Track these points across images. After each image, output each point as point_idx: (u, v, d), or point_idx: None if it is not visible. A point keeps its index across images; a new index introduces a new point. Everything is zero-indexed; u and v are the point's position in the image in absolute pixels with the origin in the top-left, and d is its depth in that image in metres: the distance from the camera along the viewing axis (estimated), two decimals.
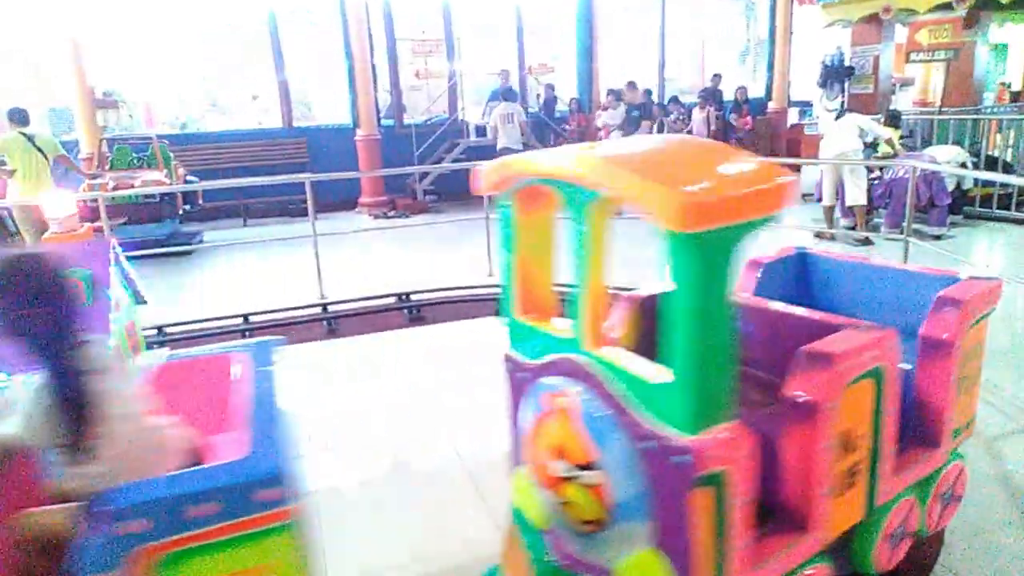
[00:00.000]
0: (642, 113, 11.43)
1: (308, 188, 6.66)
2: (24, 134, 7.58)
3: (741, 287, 2.79)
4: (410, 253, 8.47)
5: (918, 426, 2.37)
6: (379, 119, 11.86)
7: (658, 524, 1.71)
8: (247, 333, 5.55)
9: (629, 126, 11.57)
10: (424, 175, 11.77)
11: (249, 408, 1.97)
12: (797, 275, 2.98)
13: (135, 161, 9.54)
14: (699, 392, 1.61)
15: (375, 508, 3.22)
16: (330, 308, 6.11)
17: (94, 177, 8.73)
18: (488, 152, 10.85)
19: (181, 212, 9.55)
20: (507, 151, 11.20)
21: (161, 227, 8.86)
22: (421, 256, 8.29)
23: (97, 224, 5.78)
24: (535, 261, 2.19)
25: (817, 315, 2.32)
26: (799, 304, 2.66)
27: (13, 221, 8.03)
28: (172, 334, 5.52)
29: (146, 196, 8.52)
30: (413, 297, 6.30)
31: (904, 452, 2.30)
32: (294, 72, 12.21)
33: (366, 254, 8.43)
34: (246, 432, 1.82)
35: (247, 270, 8.06)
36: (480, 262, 6.99)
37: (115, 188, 8.10)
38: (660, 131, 12.17)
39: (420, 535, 3.01)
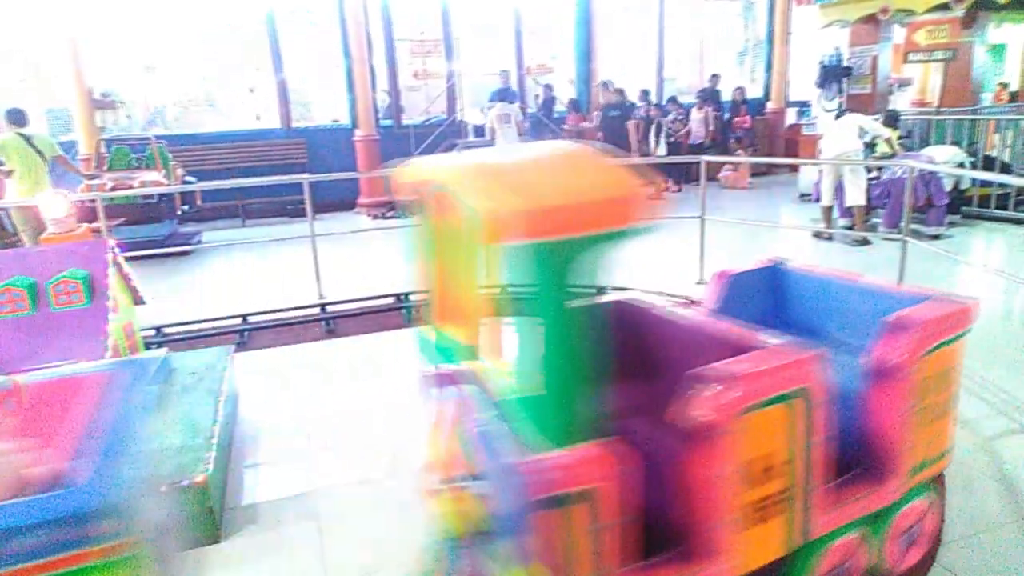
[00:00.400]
0: (623, 112, 11.18)
1: (306, 188, 6.65)
2: (22, 135, 7.56)
3: (709, 299, 2.72)
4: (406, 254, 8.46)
5: (866, 457, 2.16)
6: (378, 120, 11.86)
7: (528, 540, 1.58)
8: (245, 333, 5.54)
9: (605, 127, 11.37)
10: None
11: (102, 433, 1.80)
12: (771, 288, 2.85)
13: (133, 162, 9.53)
14: (552, 408, 1.56)
15: (375, 508, 3.21)
16: (329, 308, 6.10)
17: (92, 178, 8.73)
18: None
19: (179, 212, 9.54)
20: None
21: (160, 228, 8.85)
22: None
23: (95, 225, 5.77)
24: (455, 267, 2.13)
25: (738, 331, 2.10)
26: (774, 319, 2.62)
27: (11, 222, 8.03)
28: (171, 334, 5.52)
29: (144, 197, 8.51)
30: (412, 297, 6.29)
31: (849, 484, 2.09)
32: (293, 72, 12.21)
33: (364, 254, 8.42)
34: (92, 460, 1.66)
35: (246, 270, 8.05)
36: None
37: (113, 189, 8.09)
38: (658, 132, 12.18)
39: (420, 535, 3.00)
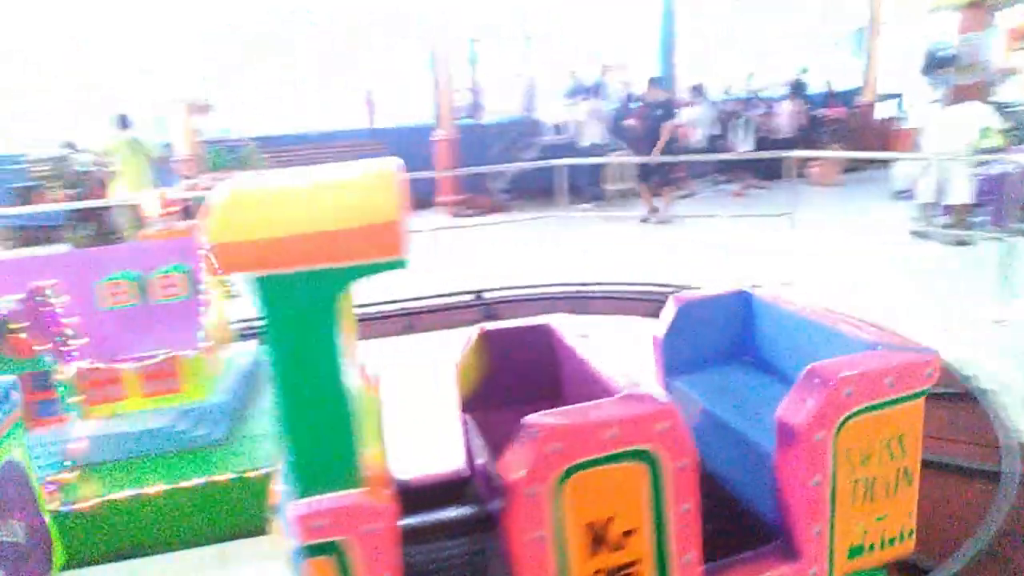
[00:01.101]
0: (666, 113, 10.65)
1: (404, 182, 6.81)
2: (128, 138, 8.07)
3: (664, 326, 2.43)
4: (485, 251, 8.54)
5: (778, 532, 1.84)
6: (457, 119, 12.03)
7: None
8: None
9: (645, 124, 10.83)
10: (500, 174, 11.85)
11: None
12: (738, 318, 2.49)
13: (229, 162, 10.01)
14: (296, 455, 1.46)
15: None
16: (407, 305, 6.23)
17: (190, 178, 9.22)
18: (566, 150, 10.84)
19: None
20: (595, 148, 11.13)
21: None
22: (496, 254, 8.34)
23: (192, 223, 6.10)
24: None
25: (609, 372, 1.83)
26: (738, 354, 2.36)
27: (117, 220, 8.59)
28: (257, 328, 5.77)
29: None
30: (487, 295, 6.35)
31: (748, 562, 1.80)
32: (376, 73, 12.54)
33: (442, 252, 8.56)
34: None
35: None
36: (554, 261, 6.98)
37: (208, 189, 8.53)
38: (746, 128, 11.82)
39: None
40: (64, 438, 3.19)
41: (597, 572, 1.61)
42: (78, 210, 8.41)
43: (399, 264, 1.41)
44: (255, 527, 3.01)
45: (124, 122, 8.24)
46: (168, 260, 3.51)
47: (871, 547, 1.84)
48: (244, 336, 4.88)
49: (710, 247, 7.83)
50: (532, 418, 1.54)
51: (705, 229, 8.91)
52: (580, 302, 6.05)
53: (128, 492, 2.93)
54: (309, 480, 1.47)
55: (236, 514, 3.01)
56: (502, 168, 11.31)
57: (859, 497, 1.79)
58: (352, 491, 1.47)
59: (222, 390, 3.53)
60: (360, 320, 5.81)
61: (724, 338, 2.46)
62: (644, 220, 9.69)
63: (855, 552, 1.83)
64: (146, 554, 2.97)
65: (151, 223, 4.34)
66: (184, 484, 2.96)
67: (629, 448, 1.56)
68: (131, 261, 3.52)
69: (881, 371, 1.73)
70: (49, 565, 2.20)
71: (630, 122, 10.83)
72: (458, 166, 11.14)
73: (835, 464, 1.73)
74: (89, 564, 2.92)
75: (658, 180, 9.76)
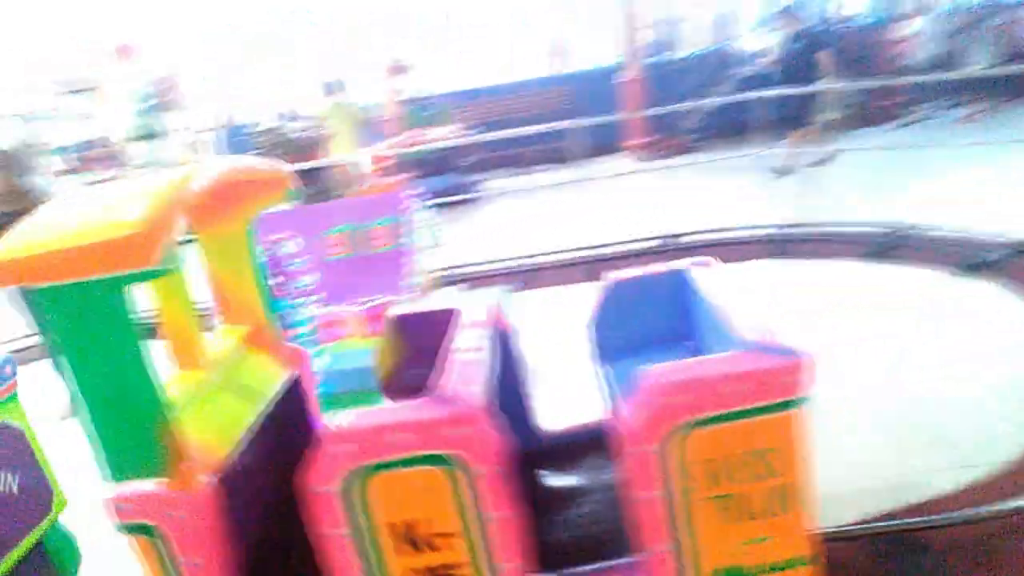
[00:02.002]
0: (811, 44, 8.96)
1: (574, 133, 6.83)
2: (340, 102, 8.83)
3: (594, 309, 2.24)
4: (676, 194, 8.31)
5: (634, 547, 1.68)
6: (644, 57, 11.64)
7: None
8: (522, 275, 5.96)
9: (791, 61, 9.29)
10: (691, 113, 11.34)
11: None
12: (673, 302, 2.25)
13: (425, 120, 10.60)
14: (99, 443, 1.57)
15: None
16: (597, 251, 6.28)
17: (392, 136, 9.90)
18: (765, 81, 10.08)
19: (464, 164, 10.44)
20: (799, 76, 10.17)
21: (447, 178, 9.79)
22: (687, 197, 8.08)
23: (398, 178, 6.59)
24: (234, 273, 2.11)
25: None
26: (671, 341, 2.06)
27: (332, 179, 9.50)
28: (457, 275, 6.15)
29: (434, 150, 9.45)
30: (681, 239, 6.20)
31: (597, 574, 1.70)
32: (561, 17, 12.46)
33: (631, 196, 8.45)
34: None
35: (521, 216, 8.58)
36: (750, 201, 6.62)
37: (410, 145, 9.12)
38: (988, 39, 10.18)
39: None
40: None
41: (414, 570, 1.61)
42: (297, 172, 9.40)
43: (154, 274, 1.44)
44: None
45: (335, 87, 9.01)
46: (379, 214, 3.87)
47: (754, 571, 1.65)
48: (446, 283, 5.26)
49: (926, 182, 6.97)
50: (333, 419, 1.56)
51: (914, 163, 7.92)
52: (782, 245, 5.71)
53: None
54: (115, 468, 1.60)
55: None
56: (693, 106, 10.81)
57: (723, 516, 1.60)
58: (158, 480, 1.58)
59: None
60: (552, 267, 6.01)
61: (661, 321, 2.23)
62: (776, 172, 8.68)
63: (733, 574, 1.65)
64: None
65: (363, 180, 4.76)
66: None
67: (424, 453, 1.52)
68: (349, 215, 3.92)
69: (722, 378, 1.50)
70: (47, 510, 2.51)
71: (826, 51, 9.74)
72: (646, 107, 10.83)
73: (681, 478, 1.56)
74: None
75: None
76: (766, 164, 8.48)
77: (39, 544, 2.47)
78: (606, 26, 12.17)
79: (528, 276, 5.96)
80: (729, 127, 10.64)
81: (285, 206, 2.09)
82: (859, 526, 2.50)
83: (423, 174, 9.59)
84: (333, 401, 3.51)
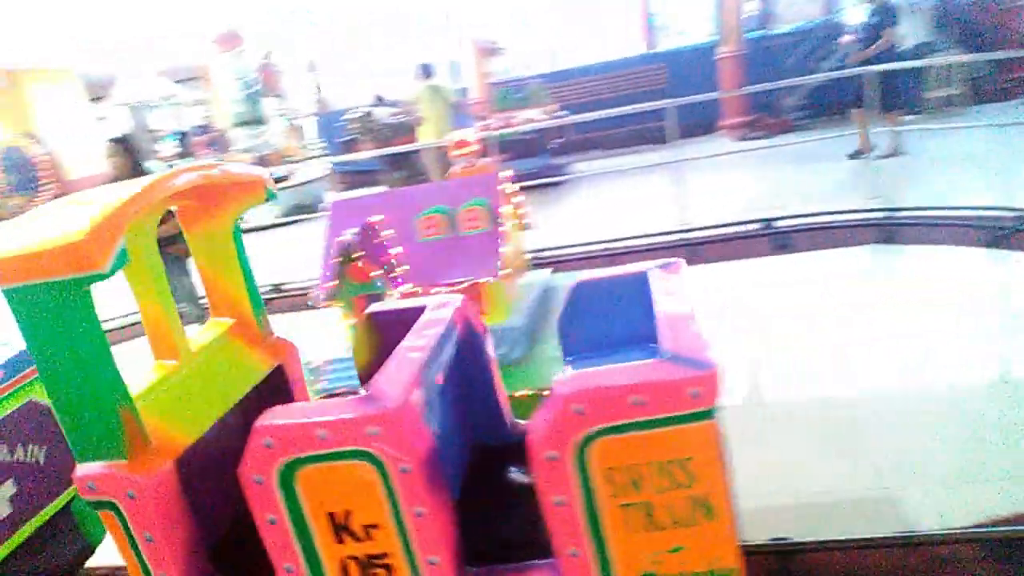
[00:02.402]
0: (883, 20, 8.16)
1: (668, 113, 6.63)
2: (431, 86, 8.91)
3: (563, 309, 2.18)
4: (774, 175, 7.94)
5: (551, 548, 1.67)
6: (744, 32, 11.15)
7: None
8: (611, 258, 5.85)
9: (864, 36, 8.49)
10: (794, 89, 10.79)
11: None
12: (641, 303, 2.10)
13: (516, 102, 10.57)
14: (65, 427, 1.74)
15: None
16: (690, 235, 6.09)
17: (483, 119, 9.93)
18: (876, 55, 9.45)
19: (553, 146, 10.35)
20: (915, 49, 9.47)
21: (535, 161, 9.74)
22: (785, 178, 7.71)
23: (487, 161, 6.59)
24: (221, 269, 2.26)
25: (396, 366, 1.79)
26: (650, 340, 1.88)
27: (423, 161, 9.63)
28: (547, 258, 6.10)
29: (524, 133, 9.41)
30: (778, 223, 5.91)
31: (514, 572, 1.72)
32: None
33: (726, 178, 8.15)
34: None
35: (609, 198, 8.44)
36: (853, 185, 6.24)
37: (499, 128, 9.11)
38: None
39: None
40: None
41: (349, 558, 1.68)
42: (390, 156, 9.60)
43: (103, 276, 1.57)
44: None
45: (426, 71, 9.10)
46: (471, 195, 3.86)
47: None
48: (536, 265, 5.22)
49: None
50: (263, 417, 1.64)
51: None
52: (889, 230, 5.35)
53: None
54: (80, 450, 1.77)
55: None
56: (796, 82, 10.27)
57: (636, 524, 1.58)
58: (118, 461, 1.74)
59: (519, 314, 3.83)
60: (642, 251, 5.87)
61: (625, 323, 2.13)
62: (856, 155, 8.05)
63: None
64: None
65: (455, 162, 4.78)
66: None
67: (346, 448, 1.57)
68: (441, 197, 3.93)
69: (622, 388, 1.47)
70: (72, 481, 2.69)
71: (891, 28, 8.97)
72: (745, 84, 10.38)
73: (589, 485, 1.56)
74: None
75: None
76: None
77: (67, 511, 2.63)
78: (705, 0, 11.73)
79: (619, 259, 5.85)
80: (834, 105, 10.05)
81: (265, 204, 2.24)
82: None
83: (513, 156, 9.57)
84: None
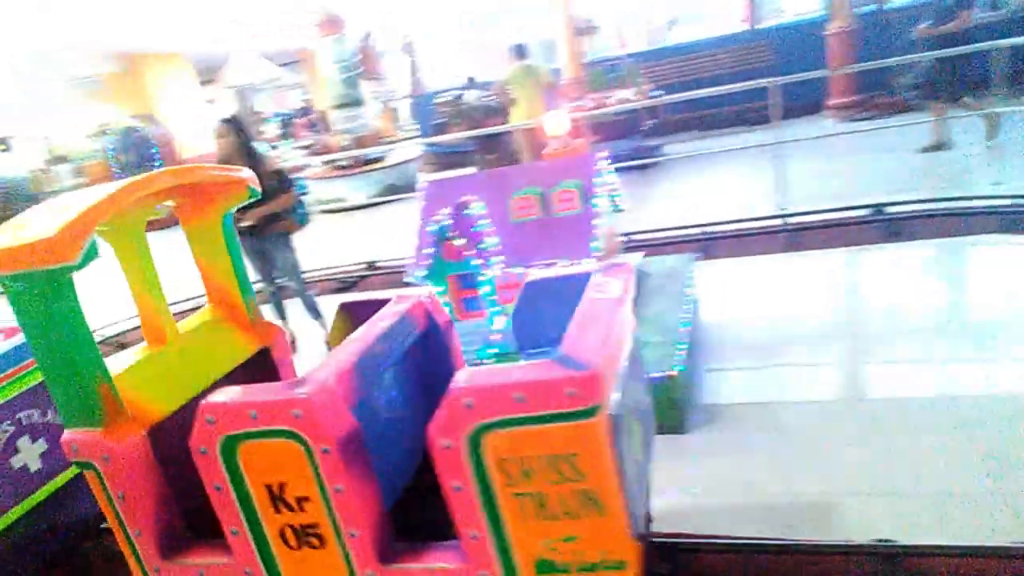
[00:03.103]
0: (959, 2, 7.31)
1: (771, 93, 6.34)
2: (525, 66, 8.87)
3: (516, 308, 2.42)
4: (884, 158, 7.47)
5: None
6: (855, 7, 10.49)
7: None
8: (705, 242, 5.68)
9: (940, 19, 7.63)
10: (909, 67, 10.07)
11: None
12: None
13: (609, 82, 10.39)
14: (54, 398, 2.02)
15: (836, 430, 3.04)
16: (791, 220, 5.82)
17: (575, 99, 9.82)
18: (1008, 27, 8.71)
19: (646, 127, 10.13)
20: None
21: (627, 142, 9.55)
22: (893, 161, 7.24)
23: (580, 142, 6.51)
24: (212, 259, 2.49)
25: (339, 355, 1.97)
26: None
27: (515, 143, 9.64)
28: (638, 241, 5.99)
29: (616, 113, 9.24)
30: (889, 209, 5.56)
31: (428, 550, 1.84)
32: None
33: (830, 161, 7.74)
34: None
35: (705, 181, 8.19)
36: (974, 171, 5.78)
37: (591, 108, 8.98)
38: None
39: (882, 461, 2.75)
40: (485, 330, 3.78)
41: (286, 526, 1.86)
42: (480, 137, 9.65)
43: (70, 268, 1.80)
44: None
45: (520, 52, 9.06)
46: (565, 176, 3.83)
47: (566, 567, 1.72)
48: (627, 249, 5.14)
49: None
50: (210, 396, 1.83)
51: None
52: (1018, 218, 4.94)
53: None
54: (66, 417, 2.01)
55: None
56: (912, 59, 9.58)
57: (530, 512, 1.68)
58: (96, 428, 1.97)
59: None
60: (738, 236, 5.66)
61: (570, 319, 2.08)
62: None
63: (545, 567, 1.74)
64: None
65: (549, 143, 4.76)
66: None
67: (274, 428, 1.73)
68: (535, 178, 3.92)
69: (505, 386, 1.57)
70: None
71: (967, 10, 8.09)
72: (856, 62, 9.79)
73: (484, 474, 1.66)
74: None
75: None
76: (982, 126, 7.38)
77: None
78: None
79: (712, 245, 5.67)
80: (952, 84, 9.33)
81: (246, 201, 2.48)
82: None
83: (606, 137, 9.43)
84: (508, 361, 3.58)
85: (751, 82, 7.04)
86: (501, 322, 3.79)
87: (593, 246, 3.63)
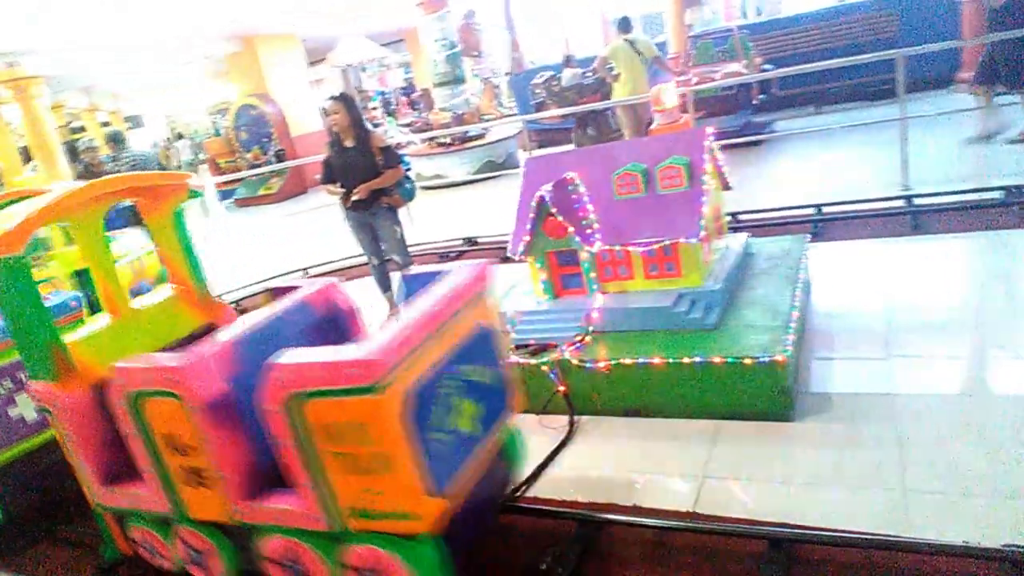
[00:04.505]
0: None
1: (899, 65, 5.90)
2: (628, 39, 8.66)
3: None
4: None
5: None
6: None
7: None
8: (819, 224, 5.39)
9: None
10: None
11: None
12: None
13: (716, 55, 9.98)
14: (21, 357, 2.62)
15: (962, 425, 2.82)
16: (916, 201, 5.43)
17: (680, 74, 9.49)
18: None
19: (755, 102, 9.67)
20: None
21: (735, 118, 9.16)
22: None
23: (685, 117, 6.31)
24: (170, 247, 3.06)
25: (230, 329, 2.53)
26: None
27: (616, 119, 9.44)
28: (745, 221, 5.76)
29: (725, 88, 8.87)
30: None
31: (278, 493, 2.29)
32: None
33: (958, 138, 7.14)
34: None
35: (820, 159, 7.76)
36: None
37: (698, 83, 8.66)
38: None
39: (1005, 457, 2.54)
40: (584, 307, 3.75)
41: (180, 466, 2.36)
42: (580, 115, 9.51)
43: (19, 257, 2.41)
44: (747, 410, 3.12)
45: (624, 25, 8.84)
46: (670, 153, 3.71)
47: (374, 514, 2.09)
48: (733, 229, 4.95)
49: None
50: (121, 361, 2.35)
51: None
52: None
53: (634, 360, 3.31)
54: (30, 372, 2.60)
55: (727, 395, 3.16)
56: None
57: (344, 468, 2.05)
58: (50, 382, 2.54)
59: (715, 278, 3.66)
60: (856, 217, 5.34)
61: None
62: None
63: (360, 514, 2.11)
64: (649, 415, 3.36)
65: (655, 119, 4.63)
66: (682, 360, 3.21)
67: (162, 388, 2.23)
68: (639, 154, 3.82)
69: (304, 365, 1.97)
70: None
71: None
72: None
73: (305, 435, 2.04)
74: (604, 414, 3.45)
75: None
76: None
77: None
78: None
79: (827, 226, 5.38)
80: None
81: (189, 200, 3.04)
82: None
83: (714, 113, 9.09)
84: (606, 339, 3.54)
85: (876, 54, 6.58)
86: (600, 300, 3.75)
87: (699, 225, 3.50)
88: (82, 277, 5.15)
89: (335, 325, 2.77)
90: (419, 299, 2.27)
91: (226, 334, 2.41)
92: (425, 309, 2.17)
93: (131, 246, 5.92)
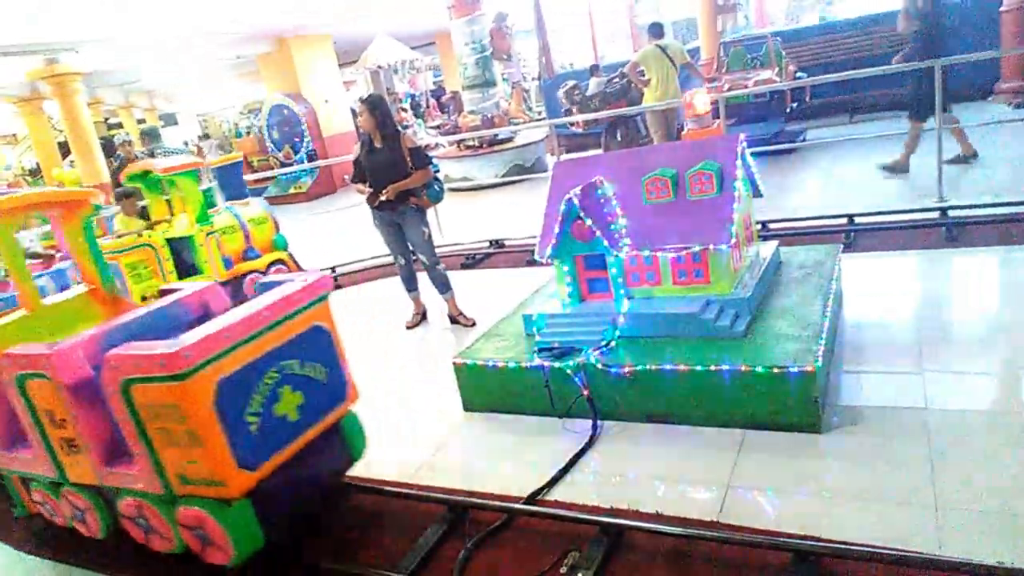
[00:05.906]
0: None
1: (937, 75, 5.79)
2: (659, 45, 8.61)
3: None
4: None
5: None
6: None
7: None
8: (851, 234, 5.30)
9: None
10: None
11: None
12: None
13: (749, 62, 9.89)
14: None
15: (1000, 442, 2.75)
16: (952, 213, 5.32)
17: (711, 80, 9.42)
18: None
19: (788, 110, 9.56)
20: None
21: (767, 126, 9.07)
22: None
23: (716, 124, 6.25)
24: (79, 251, 3.37)
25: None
26: None
27: (645, 125, 9.39)
28: (775, 230, 5.69)
29: (757, 96, 8.79)
30: None
31: (125, 462, 2.67)
32: None
33: (1002, 150, 6.99)
34: None
35: (852, 169, 7.64)
36: None
37: (729, 89, 8.59)
38: None
39: None
40: (610, 312, 3.73)
41: (60, 438, 2.75)
42: (608, 120, 9.48)
43: None
44: (775, 421, 3.08)
45: (657, 31, 8.80)
46: (701, 158, 3.67)
47: (194, 480, 2.48)
48: (765, 237, 4.90)
49: None
50: (9, 349, 2.73)
51: None
52: None
53: (660, 366, 3.28)
54: None
55: (755, 405, 3.11)
56: None
57: (167, 441, 2.45)
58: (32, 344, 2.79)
59: (745, 286, 3.62)
60: (889, 228, 5.25)
61: None
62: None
63: (184, 480, 2.51)
64: (673, 422, 3.33)
65: (686, 124, 4.59)
66: (709, 368, 3.17)
67: (38, 371, 2.61)
68: (669, 159, 3.79)
69: (127, 356, 2.37)
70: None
71: None
72: None
73: (136, 412, 2.45)
74: (626, 420, 3.42)
75: None
76: None
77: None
78: None
79: (859, 237, 5.29)
80: None
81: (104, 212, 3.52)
82: None
83: (745, 120, 9.00)
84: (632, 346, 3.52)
85: (913, 63, 6.47)
86: (626, 305, 3.72)
87: (729, 231, 3.47)
88: (174, 245, 6.07)
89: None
90: (251, 302, 2.64)
91: (98, 327, 2.82)
92: (249, 311, 2.54)
93: (247, 214, 6.59)
